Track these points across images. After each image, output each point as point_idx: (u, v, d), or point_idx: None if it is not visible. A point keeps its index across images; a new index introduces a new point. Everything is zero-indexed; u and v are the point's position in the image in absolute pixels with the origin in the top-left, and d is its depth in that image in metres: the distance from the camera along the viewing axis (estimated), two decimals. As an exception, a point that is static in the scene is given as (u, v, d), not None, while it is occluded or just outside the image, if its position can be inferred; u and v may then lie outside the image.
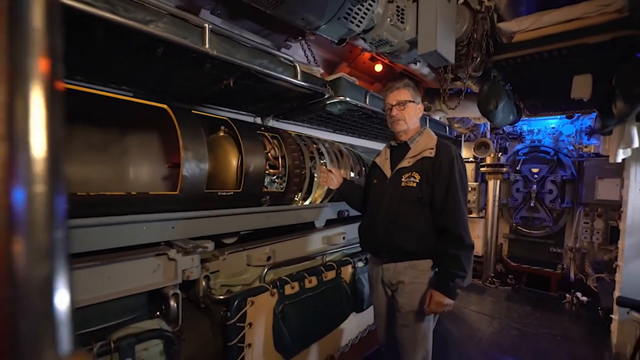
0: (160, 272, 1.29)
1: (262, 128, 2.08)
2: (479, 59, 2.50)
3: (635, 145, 2.53)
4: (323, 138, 2.68)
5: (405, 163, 1.59)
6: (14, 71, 0.25)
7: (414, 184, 1.52)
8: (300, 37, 2.50)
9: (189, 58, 1.37)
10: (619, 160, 2.78)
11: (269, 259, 1.82)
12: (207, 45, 1.34)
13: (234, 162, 1.80)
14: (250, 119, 2.37)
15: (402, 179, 1.56)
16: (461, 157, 1.63)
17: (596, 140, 4.77)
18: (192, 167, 1.44)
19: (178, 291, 1.29)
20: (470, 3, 2.28)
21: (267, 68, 1.57)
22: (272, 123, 2.48)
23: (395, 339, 1.64)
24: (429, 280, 1.54)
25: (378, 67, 3.28)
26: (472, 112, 3.96)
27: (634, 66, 2.03)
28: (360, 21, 1.60)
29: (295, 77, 1.74)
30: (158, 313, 1.29)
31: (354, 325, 2.37)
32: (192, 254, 1.34)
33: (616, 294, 2.99)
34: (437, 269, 1.55)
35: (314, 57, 2.62)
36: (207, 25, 1.35)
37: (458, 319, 3.71)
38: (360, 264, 2.37)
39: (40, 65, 0.26)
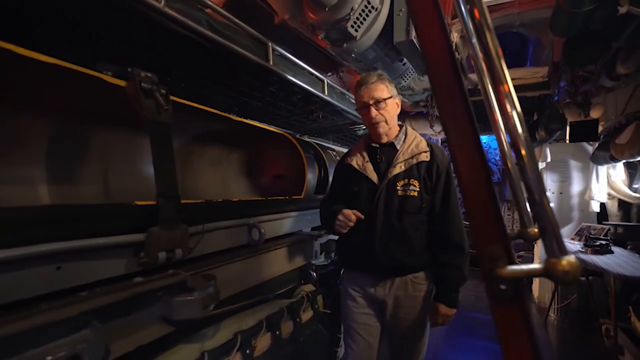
0: (305, 253, 1.84)
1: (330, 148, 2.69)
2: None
3: (548, 160, 3.82)
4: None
5: (398, 169, 1.39)
6: None
7: (415, 193, 1.36)
8: (332, 72, 3.18)
9: (311, 102, 1.94)
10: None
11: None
12: (325, 94, 1.94)
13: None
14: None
15: (398, 187, 1.37)
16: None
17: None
18: (310, 179, 2.01)
19: (318, 264, 1.85)
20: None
21: (346, 106, 2.21)
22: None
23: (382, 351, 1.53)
24: (427, 290, 1.43)
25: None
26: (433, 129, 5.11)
27: (550, 111, 3.21)
28: (407, 79, 2.38)
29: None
30: (302, 281, 1.84)
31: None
32: (319, 239, 1.91)
33: (537, 260, 4.31)
34: (437, 280, 1.44)
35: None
36: (325, 79, 1.95)
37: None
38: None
39: None
